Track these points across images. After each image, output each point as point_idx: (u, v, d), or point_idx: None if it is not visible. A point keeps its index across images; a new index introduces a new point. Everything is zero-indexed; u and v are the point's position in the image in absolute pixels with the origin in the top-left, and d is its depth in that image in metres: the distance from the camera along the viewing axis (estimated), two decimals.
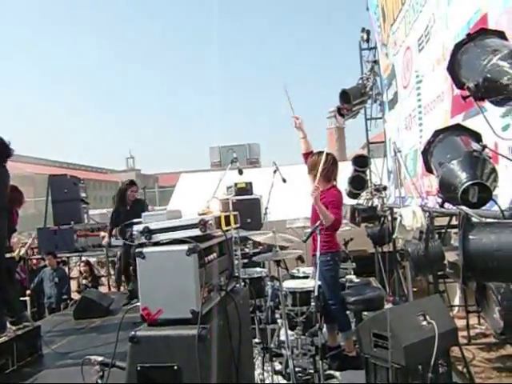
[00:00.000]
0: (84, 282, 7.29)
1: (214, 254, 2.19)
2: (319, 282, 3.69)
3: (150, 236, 1.88)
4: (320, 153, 3.87)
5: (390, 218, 5.79)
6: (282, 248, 4.99)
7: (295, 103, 3.84)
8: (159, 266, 1.82)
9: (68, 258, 7.62)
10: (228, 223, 2.17)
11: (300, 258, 5.75)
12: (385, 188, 6.05)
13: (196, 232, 1.90)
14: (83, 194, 7.41)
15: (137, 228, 1.89)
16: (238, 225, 2.40)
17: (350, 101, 6.07)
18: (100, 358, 1.98)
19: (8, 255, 4.66)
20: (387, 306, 4.36)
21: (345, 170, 6.86)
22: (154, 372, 1.74)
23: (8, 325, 3.88)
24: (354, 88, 6.24)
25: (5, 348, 3.45)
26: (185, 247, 1.82)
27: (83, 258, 7.89)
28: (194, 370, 1.70)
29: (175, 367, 1.73)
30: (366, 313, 4.02)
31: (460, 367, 3.38)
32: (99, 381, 1.94)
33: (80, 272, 7.57)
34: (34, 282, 6.68)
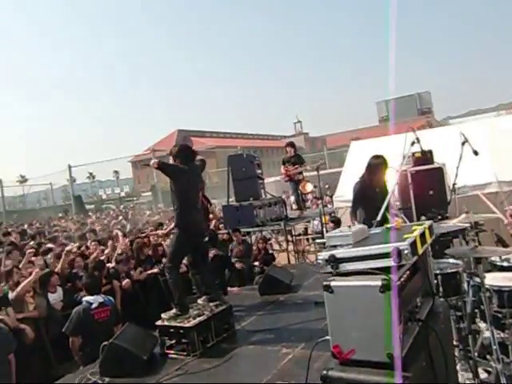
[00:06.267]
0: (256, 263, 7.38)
1: (408, 273, 1.89)
2: None
3: (336, 265, 1.70)
4: None
5: None
6: (478, 226, 4.31)
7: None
8: (349, 301, 1.64)
9: (250, 232, 8.27)
10: (424, 241, 1.82)
11: (500, 241, 4.76)
12: None
13: (388, 263, 1.63)
14: (259, 171, 7.84)
15: (322, 256, 1.72)
16: (434, 237, 2.01)
17: None
18: None
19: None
20: None
21: None
22: None
23: (206, 302, 4.32)
24: None
25: (206, 324, 3.93)
26: (378, 283, 1.58)
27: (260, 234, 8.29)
28: None
29: None
30: None
31: None
32: None
33: (258, 249, 7.70)
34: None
